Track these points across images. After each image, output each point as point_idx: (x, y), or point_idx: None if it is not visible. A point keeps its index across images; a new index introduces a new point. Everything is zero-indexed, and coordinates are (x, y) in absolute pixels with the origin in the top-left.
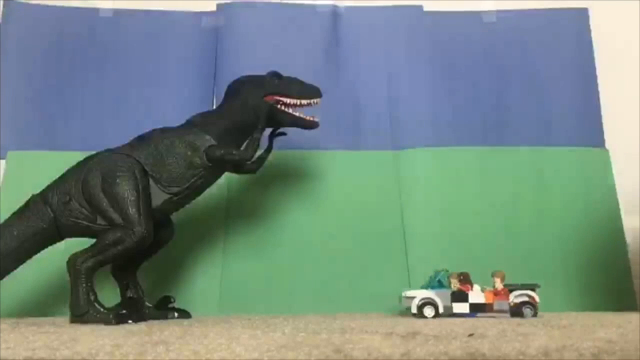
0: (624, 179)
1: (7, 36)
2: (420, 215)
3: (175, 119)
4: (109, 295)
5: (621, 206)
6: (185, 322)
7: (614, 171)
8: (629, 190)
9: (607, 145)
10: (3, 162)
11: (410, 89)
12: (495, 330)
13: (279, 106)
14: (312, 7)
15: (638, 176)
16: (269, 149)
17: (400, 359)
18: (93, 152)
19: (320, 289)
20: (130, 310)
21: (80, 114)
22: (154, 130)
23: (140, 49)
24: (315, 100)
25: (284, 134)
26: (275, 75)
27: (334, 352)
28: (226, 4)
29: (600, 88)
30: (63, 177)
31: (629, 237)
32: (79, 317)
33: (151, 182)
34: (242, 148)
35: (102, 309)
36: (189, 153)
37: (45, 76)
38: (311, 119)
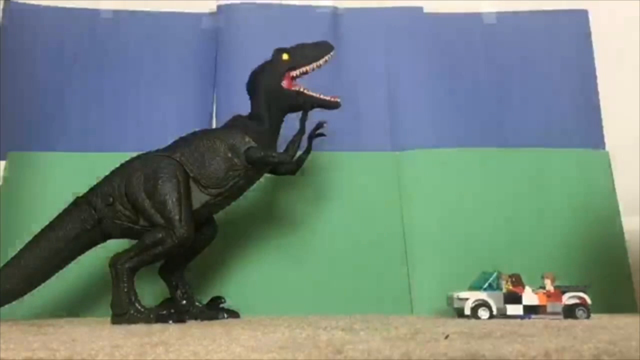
0: (624, 180)
1: (7, 37)
2: (421, 216)
3: (176, 120)
4: (149, 295)
5: (621, 207)
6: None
7: (614, 172)
8: (629, 192)
9: (607, 146)
10: (3, 162)
11: (410, 90)
12: (495, 331)
13: (300, 89)
14: (312, 8)
15: (638, 177)
16: (308, 150)
17: (400, 359)
18: (93, 153)
19: (320, 289)
20: (172, 311)
21: (81, 114)
22: (195, 131)
23: (141, 50)
24: (330, 55)
25: (323, 135)
26: (280, 51)
27: (334, 352)
28: (226, 5)
29: (600, 89)
30: (106, 179)
31: (628, 239)
32: (120, 316)
33: (192, 183)
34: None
35: (142, 309)
36: (229, 154)
37: (45, 77)
38: (333, 99)
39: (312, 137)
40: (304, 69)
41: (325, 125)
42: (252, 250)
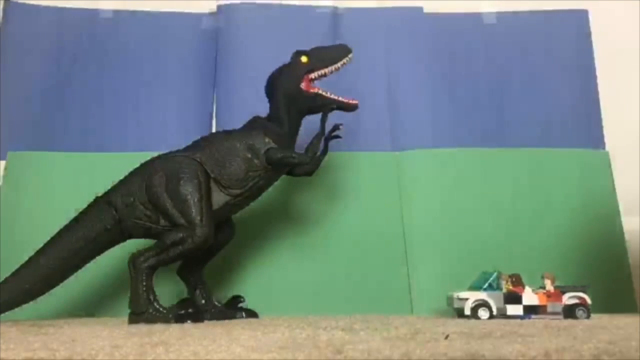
0: (624, 181)
1: (7, 36)
2: (420, 216)
3: (175, 120)
4: (166, 294)
5: (621, 207)
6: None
7: (614, 173)
8: (629, 192)
9: (607, 146)
10: (3, 162)
11: (410, 90)
12: (495, 331)
13: (318, 91)
14: (312, 8)
15: (638, 177)
16: (324, 152)
17: (400, 359)
18: (93, 153)
19: (320, 289)
20: (190, 310)
21: (80, 114)
22: (214, 133)
23: (141, 50)
24: (348, 57)
25: (339, 137)
26: (299, 53)
27: (334, 352)
28: (226, 5)
29: (600, 89)
30: (126, 179)
31: (628, 239)
32: (138, 315)
33: (213, 184)
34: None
35: (161, 309)
36: (249, 155)
37: (45, 76)
38: (351, 101)
39: (328, 138)
40: (322, 72)
41: (341, 127)
42: (250, 251)
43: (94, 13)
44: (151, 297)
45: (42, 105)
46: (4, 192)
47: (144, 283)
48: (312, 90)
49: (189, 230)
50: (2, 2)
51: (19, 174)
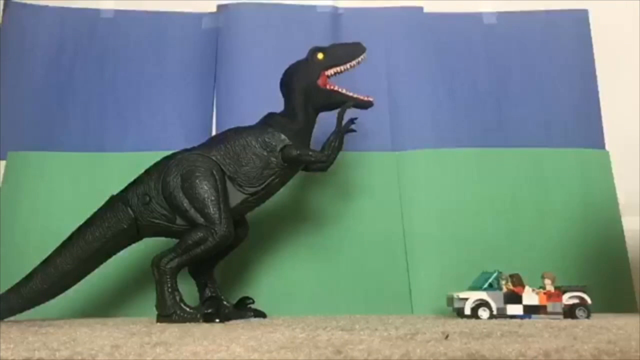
0: (624, 180)
1: (7, 36)
2: (421, 216)
3: (176, 120)
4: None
5: (621, 207)
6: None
7: (614, 172)
8: (629, 192)
9: (607, 146)
10: (3, 162)
11: (410, 90)
12: (495, 331)
13: (335, 88)
14: (312, 8)
15: (638, 177)
16: (339, 147)
17: (400, 359)
18: (93, 153)
19: (320, 290)
20: (214, 310)
21: (81, 114)
22: (228, 130)
23: (141, 50)
24: (363, 56)
25: (353, 130)
26: (315, 50)
27: (334, 352)
28: (226, 5)
29: (600, 89)
30: (141, 178)
31: (628, 239)
32: (166, 317)
33: (228, 182)
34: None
35: (188, 309)
36: (265, 153)
37: (45, 77)
38: (366, 98)
39: (343, 132)
40: (338, 69)
41: (355, 121)
42: (249, 252)
43: (94, 13)
44: (177, 298)
45: (42, 105)
46: (4, 192)
47: (169, 285)
48: (328, 87)
49: (209, 229)
50: (2, 2)
51: (19, 174)
